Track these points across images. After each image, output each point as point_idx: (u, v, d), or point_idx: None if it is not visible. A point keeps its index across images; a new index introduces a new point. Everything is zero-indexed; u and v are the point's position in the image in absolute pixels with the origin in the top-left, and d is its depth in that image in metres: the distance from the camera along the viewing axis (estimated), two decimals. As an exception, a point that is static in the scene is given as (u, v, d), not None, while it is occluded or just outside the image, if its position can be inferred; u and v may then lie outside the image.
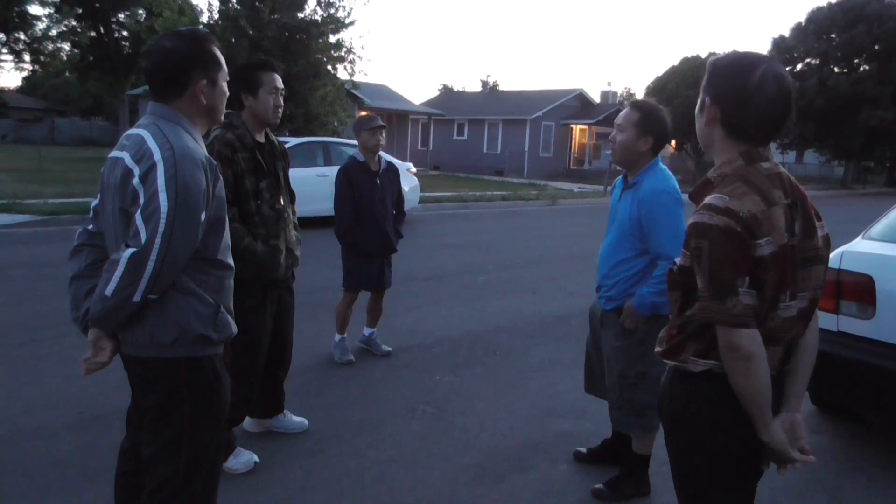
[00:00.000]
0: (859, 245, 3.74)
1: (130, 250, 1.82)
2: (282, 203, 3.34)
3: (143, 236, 1.82)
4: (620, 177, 3.14)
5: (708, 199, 1.64)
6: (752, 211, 1.58)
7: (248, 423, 3.68)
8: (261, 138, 3.32)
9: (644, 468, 3.20)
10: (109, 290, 1.84)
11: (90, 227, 2.11)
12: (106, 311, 1.88)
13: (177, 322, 1.95)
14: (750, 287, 1.59)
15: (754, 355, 1.59)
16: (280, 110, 3.26)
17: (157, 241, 1.81)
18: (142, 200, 1.84)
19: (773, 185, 1.65)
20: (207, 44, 2.04)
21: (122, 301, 1.85)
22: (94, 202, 2.10)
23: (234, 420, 3.27)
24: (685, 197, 2.24)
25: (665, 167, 3.05)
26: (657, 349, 1.85)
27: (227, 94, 2.12)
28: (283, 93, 3.31)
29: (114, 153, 1.99)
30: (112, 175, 1.95)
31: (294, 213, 3.56)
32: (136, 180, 1.85)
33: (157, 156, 1.85)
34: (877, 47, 33.98)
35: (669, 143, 3.43)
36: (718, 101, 1.69)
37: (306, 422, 3.79)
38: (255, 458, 3.31)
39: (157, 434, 2.04)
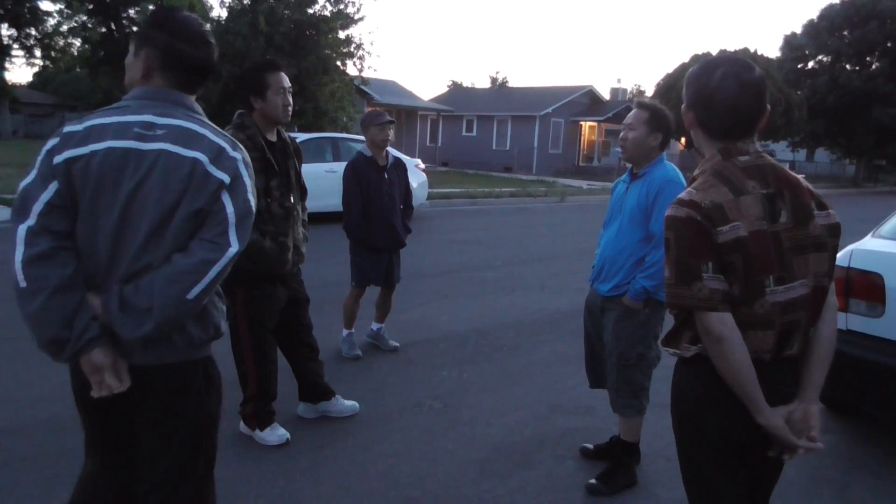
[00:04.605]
0: (869, 243, 3.73)
1: (231, 250, 1.76)
2: (291, 201, 3.39)
3: (234, 239, 1.78)
4: (627, 173, 3.27)
5: (680, 194, 1.75)
6: (715, 201, 1.68)
7: (302, 408, 3.86)
8: (272, 137, 3.35)
9: (632, 457, 3.31)
10: (193, 294, 1.71)
11: (55, 227, 1.73)
12: (179, 316, 1.74)
13: (212, 321, 1.90)
14: (717, 272, 1.67)
15: (725, 338, 1.66)
16: (290, 108, 3.31)
17: (244, 244, 1.81)
18: (230, 205, 1.78)
19: (747, 176, 1.74)
20: None
21: (198, 304, 1.75)
22: (48, 196, 1.77)
23: (271, 396, 3.55)
24: None
25: (670, 163, 3.18)
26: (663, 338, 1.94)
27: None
28: (291, 90, 3.33)
29: (141, 145, 1.75)
30: (157, 169, 1.73)
31: (304, 209, 3.60)
32: (226, 182, 1.78)
33: (240, 158, 1.85)
34: (889, 44, 33.71)
35: (679, 140, 3.52)
36: (690, 104, 1.82)
37: (357, 405, 3.94)
38: (288, 435, 3.51)
39: (187, 440, 1.92)
